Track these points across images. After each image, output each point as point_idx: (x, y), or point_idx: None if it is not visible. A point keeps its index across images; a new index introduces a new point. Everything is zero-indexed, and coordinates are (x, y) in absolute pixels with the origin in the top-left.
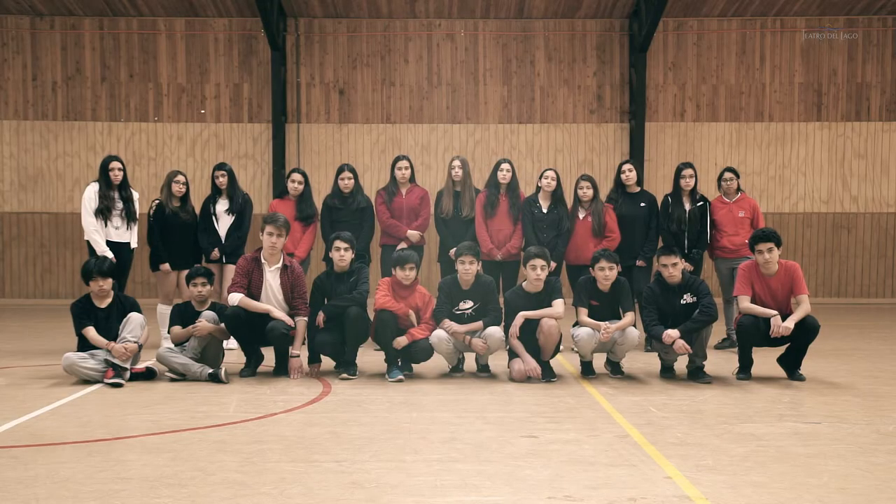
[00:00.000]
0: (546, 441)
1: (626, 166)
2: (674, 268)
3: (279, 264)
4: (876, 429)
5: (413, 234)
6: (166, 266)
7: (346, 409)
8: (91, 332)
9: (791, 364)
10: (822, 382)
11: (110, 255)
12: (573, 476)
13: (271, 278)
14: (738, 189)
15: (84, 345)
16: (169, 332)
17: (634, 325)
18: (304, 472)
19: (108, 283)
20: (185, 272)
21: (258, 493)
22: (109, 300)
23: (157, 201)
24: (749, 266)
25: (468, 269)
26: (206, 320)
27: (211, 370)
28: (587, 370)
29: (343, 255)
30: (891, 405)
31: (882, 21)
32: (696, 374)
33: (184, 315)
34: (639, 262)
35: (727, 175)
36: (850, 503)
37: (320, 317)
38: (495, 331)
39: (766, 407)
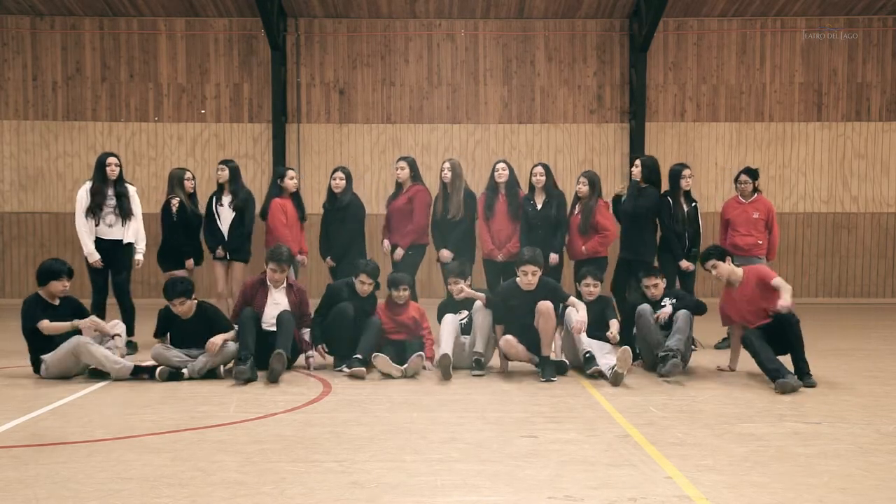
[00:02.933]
0: (546, 441)
1: (638, 161)
2: (655, 288)
3: (284, 284)
4: (876, 429)
5: (386, 245)
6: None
7: (346, 409)
8: (46, 323)
9: (800, 371)
10: (822, 382)
11: (96, 256)
12: (573, 476)
13: (279, 297)
14: (755, 190)
15: (42, 346)
16: (155, 336)
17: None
18: (304, 472)
19: (69, 284)
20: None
21: (258, 493)
22: (58, 301)
23: (178, 200)
24: (723, 297)
25: (458, 290)
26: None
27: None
28: (589, 363)
29: (367, 288)
30: (891, 405)
31: (882, 21)
32: (664, 360)
33: (170, 322)
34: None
35: (742, 178)
36: (850, 503)
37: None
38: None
39: (767, 407)
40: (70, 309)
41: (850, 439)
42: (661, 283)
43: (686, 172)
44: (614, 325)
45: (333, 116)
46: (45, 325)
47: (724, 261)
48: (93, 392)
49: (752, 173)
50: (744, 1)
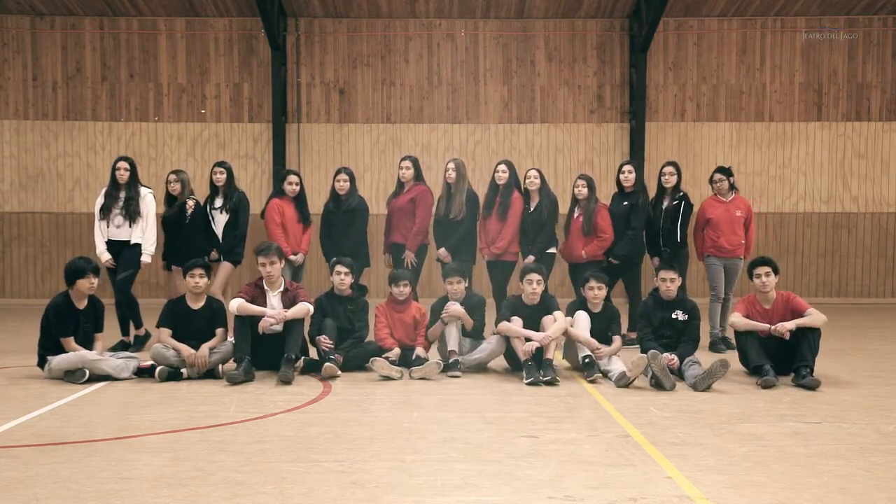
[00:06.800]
0: (546, 441)
1: (627, 167)
2: (672, 283)
3: (281, 288)
4: (876, 429)
5: (384, 258)
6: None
7: (346, 409)
8: (72, 343)
9: (800, 373)
10: (821, 382)
11: (106, 257)
12: (573, 476)
13: (276, 302)
14: (732, 188)
15: (53, 347)
16: (158, 326)
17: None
18: (304, 472)
19: (97, 281)
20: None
21: (258, 493)
22: (87, 301)
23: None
24: (747, 300)
25: (456, 289)
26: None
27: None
28: (588, 369)
29: (343, 278)
30: (891, 405)
31: (882, 21)
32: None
33: (176, 314)
34: (610, 260)
35: (717, 176)
36: (850, 503)
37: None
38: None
39: (766, 407)
40: (93, 315)
41: (850, 439)
42: (679, 280)
43: (665, 170)
44: (616, 343)
45: (333, 116)
46: (71, 346)
47: (777, 274)
48: (93, 392)
49: (726, 171)
50: (744, 1)
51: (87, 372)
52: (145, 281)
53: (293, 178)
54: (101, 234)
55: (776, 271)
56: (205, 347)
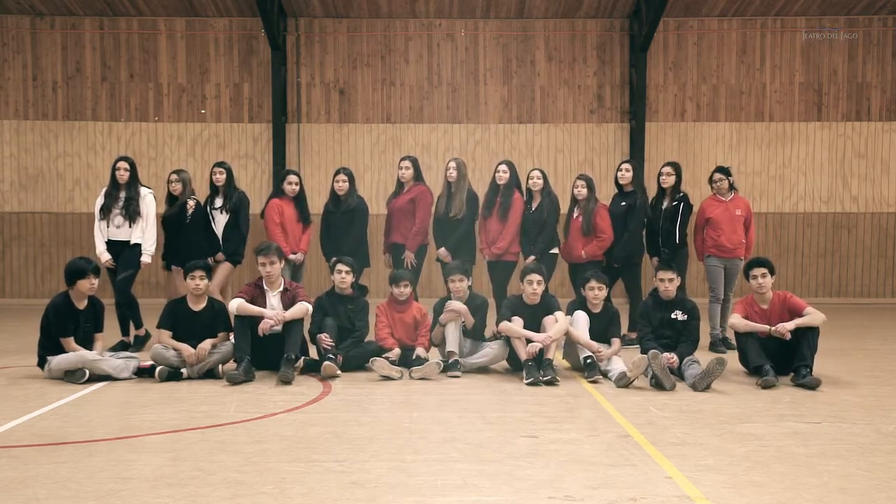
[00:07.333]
0: (546, 441)
1: (625, 166)
2: (670, 283)
3: (280, 288)
4: (876, 429)
5: (384, 258)
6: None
7: (346, 409)
8: (72, 343)
9: (799, 372)
10: (822, 382)
11: (106, 257)
12: (573, 476)
13: (275, 302)
14: (732, 187)
15: (53, 347)
16: (159, 327)
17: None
18: (304, 472)
19: (97, 281)
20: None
21: (258, 493)
22: (87, 301)
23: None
24: (745, 301)
25: (459, 288)
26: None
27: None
28: (589, 369)
29: (344, 277)
30: (891, 405)
31: (882, 21)
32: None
33: (176, 314)
34: (614, 265)
35: (717, 176)
36: (850, 503)
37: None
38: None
39: (767, 407)
40: (93, 315)
41: (850, 439)
42: (677, 280)
43: (663, 170)
44: (615, 345)
45: (333, 116)
46: (71, 346)
47: (773, 275)
48: (93, 392)
49: (725, 171)
50: (744, 1)
51: (87, 372)
52: (145, 281)
53: (293, 178)
54: (101, 235)
55: (772, 272)
56: (207, 342)
